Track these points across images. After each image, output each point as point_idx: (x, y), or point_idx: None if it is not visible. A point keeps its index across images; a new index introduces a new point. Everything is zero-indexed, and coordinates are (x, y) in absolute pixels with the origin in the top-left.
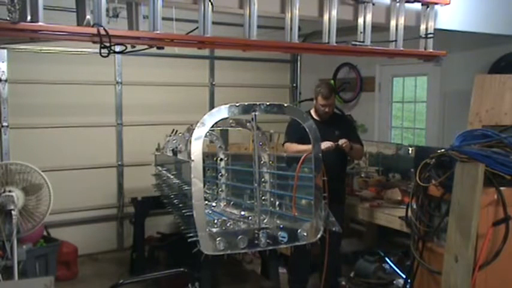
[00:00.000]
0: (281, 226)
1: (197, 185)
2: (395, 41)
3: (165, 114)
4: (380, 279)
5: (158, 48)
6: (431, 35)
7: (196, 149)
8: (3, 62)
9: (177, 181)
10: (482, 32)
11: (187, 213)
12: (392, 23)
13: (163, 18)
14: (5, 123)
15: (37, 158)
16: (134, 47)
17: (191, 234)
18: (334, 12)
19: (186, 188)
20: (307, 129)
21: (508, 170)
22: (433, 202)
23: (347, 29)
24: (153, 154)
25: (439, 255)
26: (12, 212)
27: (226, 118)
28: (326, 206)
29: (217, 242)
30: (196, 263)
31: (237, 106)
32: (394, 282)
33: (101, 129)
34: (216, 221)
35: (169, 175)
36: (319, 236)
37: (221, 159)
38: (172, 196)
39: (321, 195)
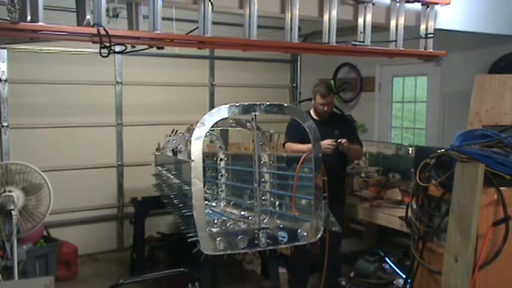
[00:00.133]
0: (281, 226)
1: (197, 185)
2: (395, 41)
3: (165, 114)
4: (380, 279)
5: (158, 48)
6: (431, 35)
7: (196, 149)
8: (3, 62)
9: (177, 181)
10: (482, 32)
11: (187, 213)
12: (392, 23)
13: (163, 18)
14: (5, 123)
15: (37, 158)
16: (134, 47)
17: (191, 234)
18: (334, 12)
19: (186, 188)
20: (307, 129)
21: (508, 170)
22: (433, 202)
23: (347, 29)
24: (153, 154)
25: (439, 255)
26: (12, 212)
27: (226, 118)
28: (326, 206)
29: (217, 242)
30: (196, 263)
31: (237, 106)
32: (394, 282)
33: (101, 129)
34: (216, 221)
35: (169, 175)
36: (319, 236)
37: (221, 159)
38: (172, 196)
39: (321, 195)
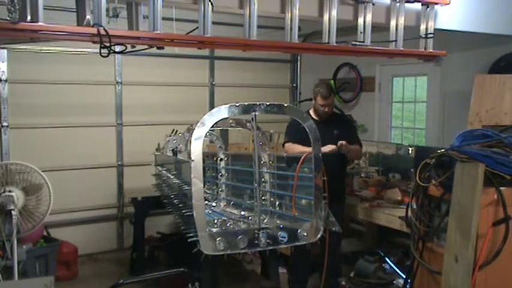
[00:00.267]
0: (281, 226)
1: (197, 185)
2: (396, 41)
3: (165, 114)
4: (380, 279)
5: (158, 48)
6: (431, 35)
7: (196, 149)
8: (3, 62)
9: (177, 181)
10: (482, 32)
11: (187, 213)
12: (392, 23)
13: (163, 18)
14: (5, 123)
15: (37, 158)
16: (134, 47)
17: (191, 234)
18: (334, 12)
19: (186, 188)
20: (307, 129)
21: (508, 170)
22: (433, 202)
23: (347, 29)
24: (153, 154)
25: (439, 255)
26: (12, 212)
27: (226, 118)
28: (326, 206)
29: (217, 242)
30: (196, 263)
31: (237, 106)
32: (394, 282)
33: (101, 129)
34: (216, 221)
35: (169, 175)
36: (319, 236)
37: (221, 159)
38: (172, 196)
39: (321, 195)
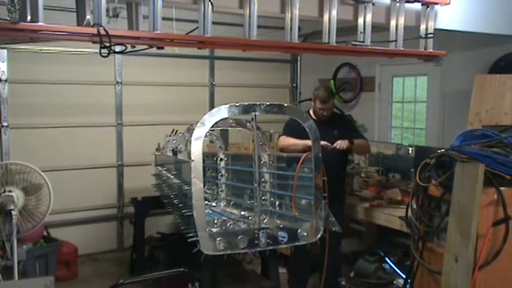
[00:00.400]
0: (281, 226)
1: (197, 185)
2: (396, 41)
3: (165, 114)
4: (380, 279)
5: (158, 48)
6: (431, 35)
7: (196, 149)
8: (3, 62)
9: (177, 181)
10: (482, 32)
11: (187, 213)
12: (392, 23)
13: (163, 18)
14: (5, 123)
15: (37, 158)
16: (134, 47)
17: (191, 234)
18: (334, 12)
19: (186, 188)
20: (307, 129)
21: (508, 170)
22: (433, 202)
23: (347, 29)
24: (153, 154)
25: (439, 255)
26: (12, 212)
27: (226, 118)
28: (326, 206)
29: (217, 242)
30: (196, 263)
31: (237, 106)
32: (394, 282)
33: (101, 129)
34: (216, 221)
35: (169, 175)
36: (319, 236)
37: (221, 159)
38: (172, 196)
39: (321, 195)
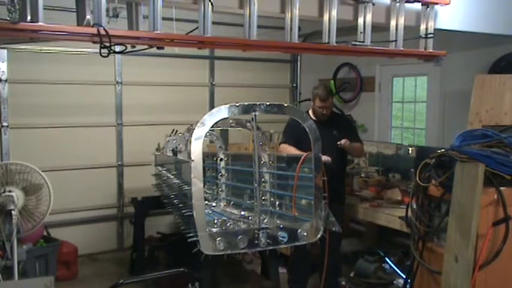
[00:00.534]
0: (281, 226)
1: (197, 185)
2: (396, 41)
3: (165, 114)
4: (380, 279)
5: (158, 48)
6: (431, 35)
7: (196, 149)
8: (3, 62)
9: (177, 181)
10: (482, 32)
11: (187, 213)
12: (392, 23)
13: (163, 18)
14: (5, 123)
15: (37, 158)
16: (134, 47)
17: (191, 234)
18: (334, 12)
19: (186, 188)
20: (307, 129)
21: (508, 170)
22: (433, 202)
23: (347, 29)
24: (153, 154)
25: (439, 255)
26: (12, 212)
27: (226, 118)
28: (326, 206)
29: (217, 242)
30: (196, 263)
31: (237, 106)
32: (394, 282)
33: (101, 129)
34: (216, 221)
35: (169, 175)
36: (319, 236)
37: (221, 159)
38: (172, 196)
39: (321, 195)
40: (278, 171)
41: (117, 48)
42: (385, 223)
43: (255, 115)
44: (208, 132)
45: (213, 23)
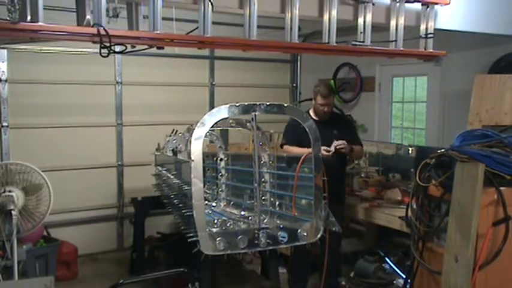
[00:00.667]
0: (281, 226)
1: (197, 185)
2: (396, 41)
3: (165, 114)
4: (380, 279)
5: (158, 48)
6: (431, 35)
7: (196, 149)
8: (3, 62)
9: (177, 181)
10: (482, 32)
11: (187, 213)
12: (392, 23)
13: (163, 18)
14: (5, 123)
15: (37, 158)
16: (134, 47)
17: (191, 234)
18: (334, 12)
19: (186, 188)
20: (307, 129)
21: (508, 170)
22: (433, 202)
23: (347, 29)
24: (153, 154)
25: (439, 255)
26: (12, 212)
27: (226, 118)
28: (326, 206)
29: (217, 242)
30: (196, 263)
31: (237, 106)
32: (394, 282)
33: (101, 129)
34: (216, 221)
35: (169, 175)
36: (319, 236)
37: (221, 159)
38: (172, 196)
39: (321, 195)
40: (278, 171)
41: (117, 48)
42: (385, 223)
43: (255, 115)
44: (208, 132)
45: (213, 23)
